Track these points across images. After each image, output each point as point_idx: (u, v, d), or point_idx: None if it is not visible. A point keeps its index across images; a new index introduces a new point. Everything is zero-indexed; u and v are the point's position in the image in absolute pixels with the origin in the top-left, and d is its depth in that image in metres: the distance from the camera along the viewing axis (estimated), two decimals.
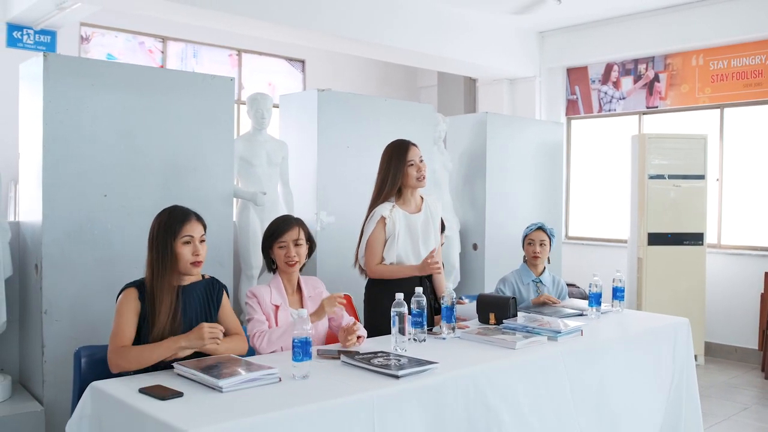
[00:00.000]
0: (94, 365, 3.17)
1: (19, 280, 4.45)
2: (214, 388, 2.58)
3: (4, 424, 3.91)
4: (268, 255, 3.54)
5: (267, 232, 3.53)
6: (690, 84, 8.16)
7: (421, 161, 4.05)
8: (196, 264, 3.06)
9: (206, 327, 2.92)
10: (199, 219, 3.13)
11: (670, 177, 7.36)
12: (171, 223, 3.04)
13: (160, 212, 3.12)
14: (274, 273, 3.56)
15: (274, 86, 9.34)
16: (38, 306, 4.12)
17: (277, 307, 3.43)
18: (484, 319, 4.00)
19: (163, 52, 8.46)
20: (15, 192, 6.23)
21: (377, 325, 3.83)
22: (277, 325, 3.39)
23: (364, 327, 3.71)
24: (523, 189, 7.46)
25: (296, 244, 3.48)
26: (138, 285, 3.03)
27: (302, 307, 3.46)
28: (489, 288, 6.58)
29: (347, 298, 4.57)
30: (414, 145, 4.08)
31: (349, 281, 4.76)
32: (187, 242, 3.04)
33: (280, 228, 3.50)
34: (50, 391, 4.09)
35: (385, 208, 3.97)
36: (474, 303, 4.20)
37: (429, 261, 3.87)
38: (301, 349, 2.74)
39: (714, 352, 7.66)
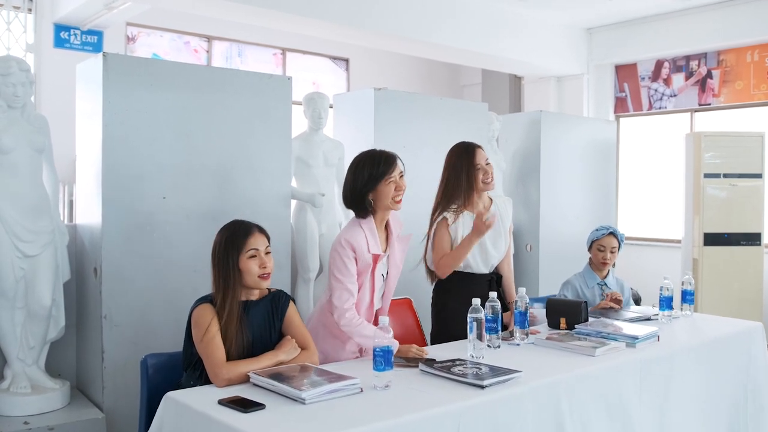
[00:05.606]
0: (160, 372, 3.10)
1: (76, 284, 4.37)
2: (296, 400, 2.48)
3: (66, 431, 3.84)
4: (366, 198, 3.30)
5: (371, 171, 3.28)
6: (744, 80, 7.95)
7: (488, 164, 3.93)
8: (264, 277, 2.98)
9: (293, 339, 3.00)
10: (262, 231, 3.03)
11: (726, 176, 7.17)
12: (234, 239, 2.95)
13: (222, 228, 3.03)
14: (364, 218, 3.33)
15: (318, 85, 9.27)
16: (97, 310, 4.03)
17: (376, 257, 3.27)
18: (554, 324, 3.88)
19: (208, 52, 8.43)
20: (64, 194, 6.20)
21: (446, 329, 3.73)
22: (372, 276, 3.28)
23: (432, 331, 3.60)
24: (575, 188, 7.29)
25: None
26: (210, 300, 2.95)
27: (387, 248, 3.39)
28: (543, 290, 6.44)
29: (408, 302, 4.48)
30: (479, 147, 3.94)
31: (407, 283, 4.64)
32: (253, 256, 2.95)
33: (388, 164, 3.30)
34: (110, 398, 4.01)
35: (447, 213, 3.85)
36: (536, 305, 4.09)
37: (480, 220, 3.63)
38: (383, 359, 2.65)
39: None
